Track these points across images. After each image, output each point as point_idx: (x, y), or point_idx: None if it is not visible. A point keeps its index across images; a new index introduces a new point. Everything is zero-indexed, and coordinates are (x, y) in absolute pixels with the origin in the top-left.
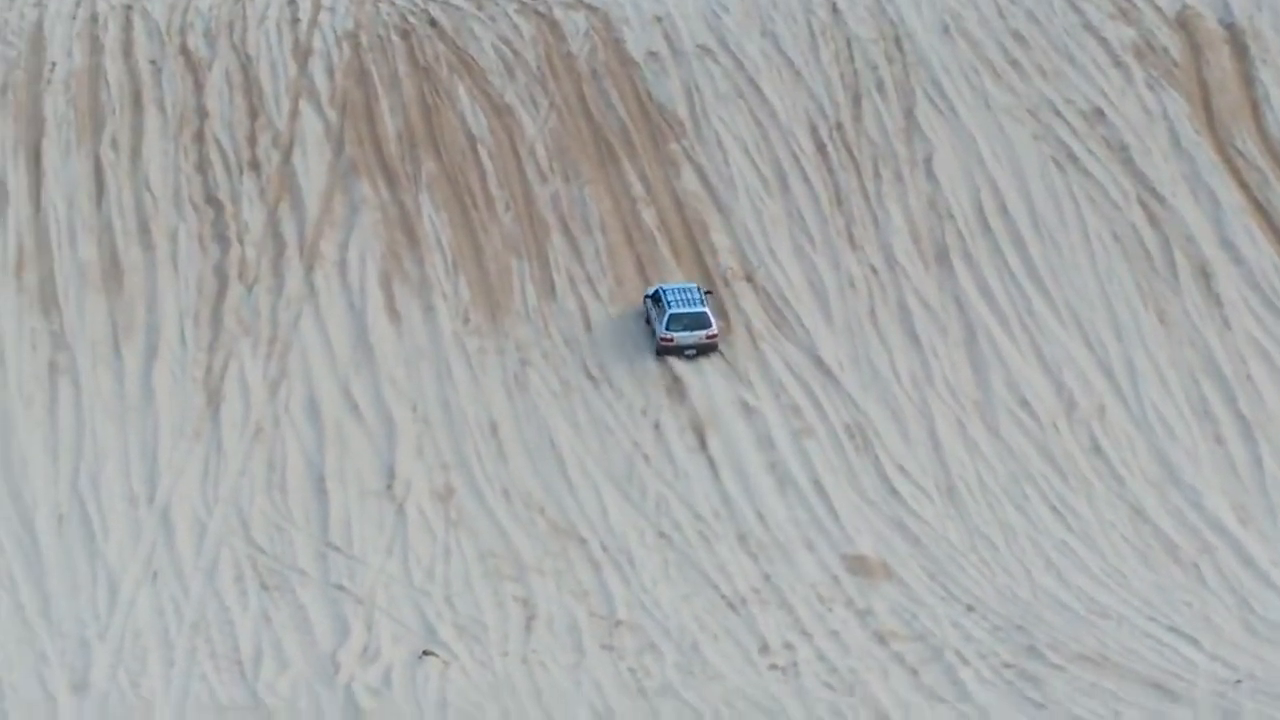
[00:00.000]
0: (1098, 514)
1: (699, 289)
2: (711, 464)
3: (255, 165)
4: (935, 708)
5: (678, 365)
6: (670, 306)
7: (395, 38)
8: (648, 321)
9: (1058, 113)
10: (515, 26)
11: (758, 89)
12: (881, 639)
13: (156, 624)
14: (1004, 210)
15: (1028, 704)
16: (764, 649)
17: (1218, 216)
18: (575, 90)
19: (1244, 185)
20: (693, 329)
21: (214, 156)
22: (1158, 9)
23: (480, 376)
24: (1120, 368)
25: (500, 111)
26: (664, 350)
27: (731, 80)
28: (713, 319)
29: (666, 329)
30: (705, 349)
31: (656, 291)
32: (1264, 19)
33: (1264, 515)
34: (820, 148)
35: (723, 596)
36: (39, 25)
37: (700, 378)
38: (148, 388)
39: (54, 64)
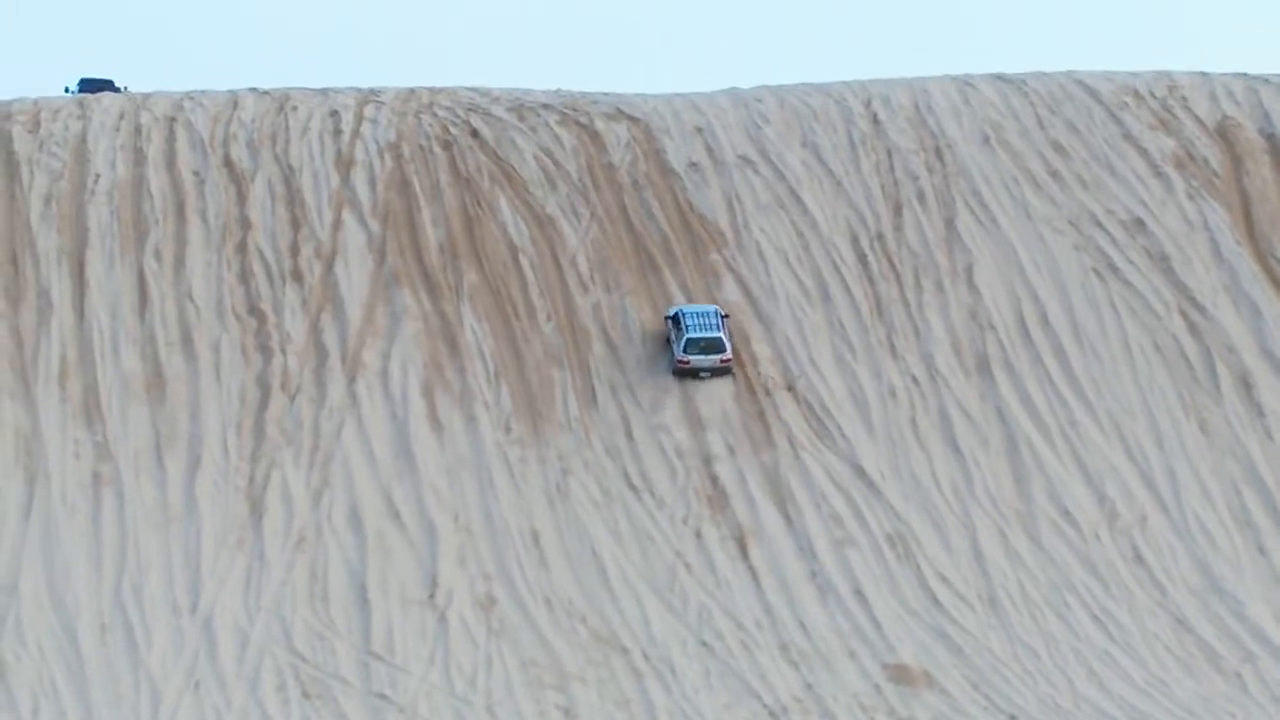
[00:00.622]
0: (1140, 623)
1: (718, 312)
2: (753, 573)
3: (298, 276)
4: None
5: (721, 475)
6: (688, 331)
7: (437, 149)
8: (669, 342)
9: (1098, 223)
10: (556, 137)
11: (798, 199)
12: None
13: None
14: (1045, 320)
15: None
16: None
17: (1259, 326)
18: (616, 201)
19: None
20: (708, 353)
21: (257, 267)
22: (1198, 119)
23: (522, 486)
24: (1162, 477)
25: (542, 222)
26: (680, 372)
27: (772, 191)
28: (728, 344)
29: (684, 352)
30: (720, 372)
31: (677, 314)
32: None
33: None
34: (861, 258)
35: (765, 706)
36: (83, 137)
37: (742, 487)
38: (190, 497)
39: (98, 175)
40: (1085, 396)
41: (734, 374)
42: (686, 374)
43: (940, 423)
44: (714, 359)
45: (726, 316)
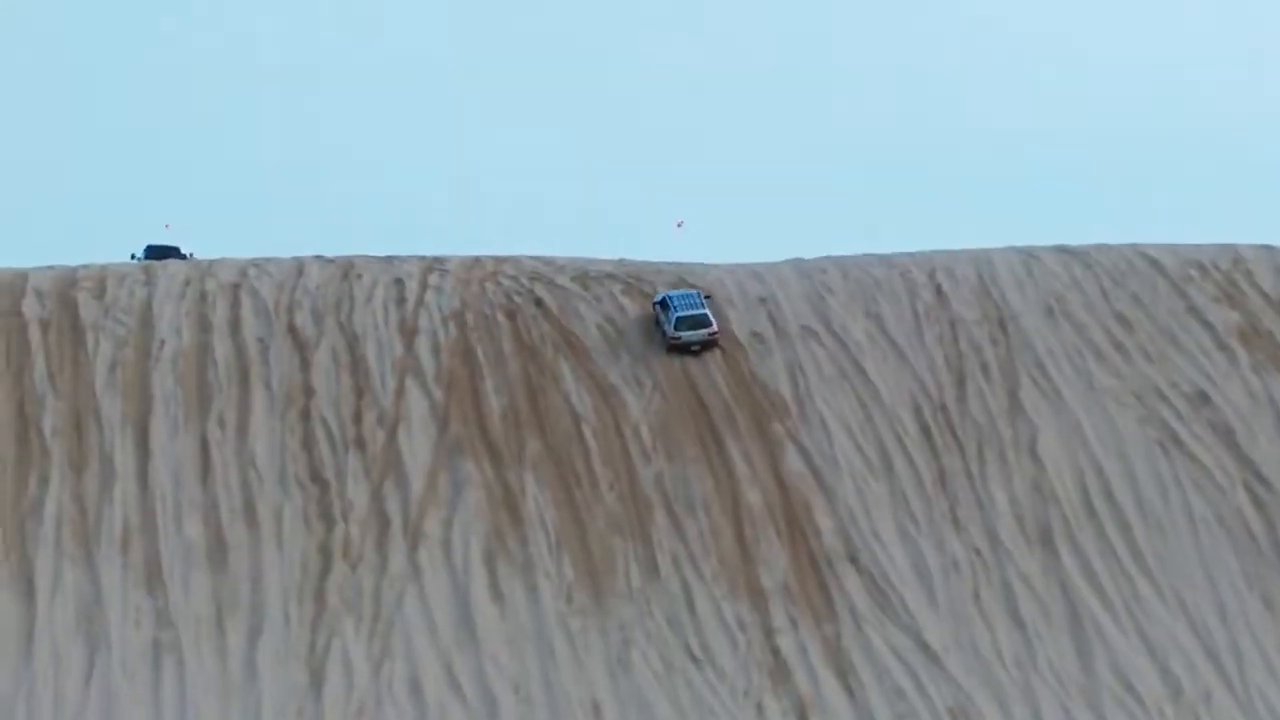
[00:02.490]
0: None
1: (700, 294)
2: None
3: (360, 443)
4: None
5: (783, 647)
6: (676, 310)
7: (501, 317)
8: (658, 324)
9: (1163, 396)
10: (620, 306)
11: (862, 370)
12: None
13: None
14: (1109, 493)
15: None
16: None
17: None
18: (680, 370)
19: None
20: (696, 328)
21: (320, 434)
22: (1262, 293)
23: (583, 656)
24: (1226, 652)
25: (604, 391)
26: (673, 348)
27: (835, 361)
28: (712, 319)
29: (675, 330)
30: (708, 344)
31: (664, 299)
32: None
33: None
34: (924, 429)
35: None
36: (148, 303)
37: (803, 659)
38: (251, 666)
39: (163, 341)
40: (1149, 570)
41: (794, 540)
42: (680, 348)
43: (1003, 595)
44: (702, 333)
45: (709, 297)
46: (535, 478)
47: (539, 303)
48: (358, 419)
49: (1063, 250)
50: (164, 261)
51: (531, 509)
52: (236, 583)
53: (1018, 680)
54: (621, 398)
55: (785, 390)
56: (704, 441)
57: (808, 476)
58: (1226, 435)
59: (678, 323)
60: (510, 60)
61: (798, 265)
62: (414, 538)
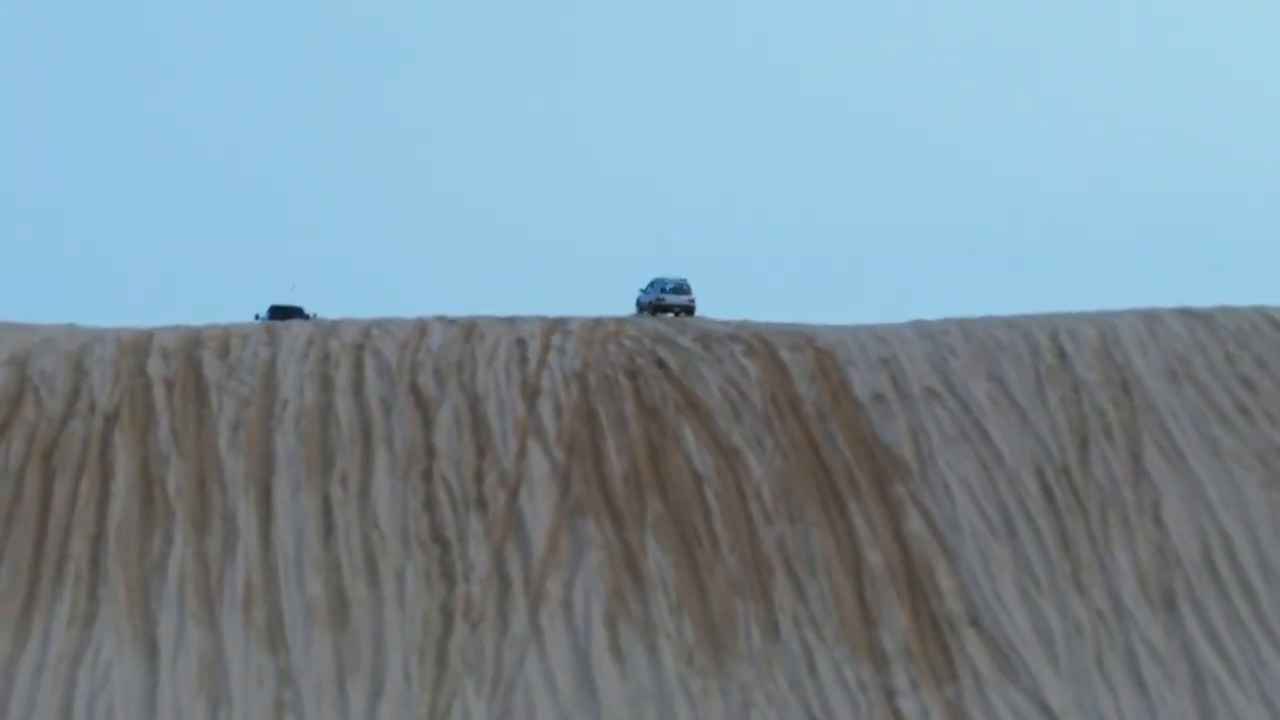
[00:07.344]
0: None
1: (684, 279)
2: None
3: (482, 504)
4: None
5: (905, 710)
6: (662, 282)
7: (623, 378)
8: (639, 305)
9: None
10: (742, 368)
11: (984, 432)
12: None
13: None
14: (1232, 557)
15: None
16: None
17: None
18: (801, 432)
19: None
20: (679, 294)
21: (441, 495)
22: None
23: (704, 717)
24: None
25: (726, 452)
26: (657, 309)
27: (958, 423)
28: (691, 288)
29: (661, 293)
30: (687, 310)
31: (651, 280)
32: None
33: None
34: (1047, 491)
35: None
36: (271, 363)
37: None
38: None
39: (286, 401)
40: (1274, 635)
41: (916, 602)
42: (662, 309)
43: (1126, 659)
44: (684, 299)
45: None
46: (656, 539)
47: (661, 364)
48: (479, 479)
49: (1186, 312)
50: (287, 322)
51: (652, 570)
52: (358, 642)
53: None
54: (743, 459)
55: (907, 452)
56: (825, 503)
57: (929, 538)
58: None
59: (663, 290)
60: (629, 123)
61: (920, 326)
62: (535, 598)
